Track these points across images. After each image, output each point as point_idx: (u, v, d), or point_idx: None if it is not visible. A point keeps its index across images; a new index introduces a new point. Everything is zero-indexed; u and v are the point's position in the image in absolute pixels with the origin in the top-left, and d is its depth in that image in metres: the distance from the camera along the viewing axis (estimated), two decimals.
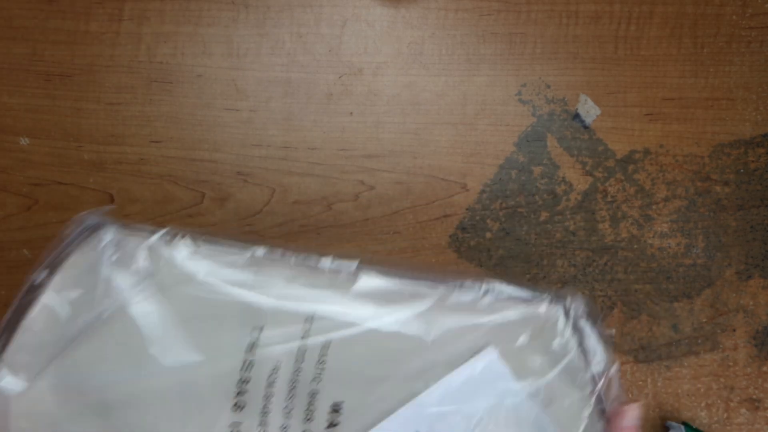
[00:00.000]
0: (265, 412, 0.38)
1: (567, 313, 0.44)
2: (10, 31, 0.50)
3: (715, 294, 0.49)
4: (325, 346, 0.39)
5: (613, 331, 0.43)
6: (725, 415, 0.49)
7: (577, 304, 0.44)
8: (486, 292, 0.44)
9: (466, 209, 0.50)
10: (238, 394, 0.38)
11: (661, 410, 0.49)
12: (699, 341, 0.49)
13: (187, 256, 0.41)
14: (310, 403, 0.38)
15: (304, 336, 0.39)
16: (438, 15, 0.51)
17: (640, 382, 0.49)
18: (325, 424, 0.38)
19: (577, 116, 0.50)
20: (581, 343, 0.44)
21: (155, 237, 0.41)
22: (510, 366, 0.42)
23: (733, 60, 0.50)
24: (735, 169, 0.49)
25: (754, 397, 0.48)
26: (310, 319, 0.40)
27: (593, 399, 0.43)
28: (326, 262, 0.40)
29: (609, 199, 0.50)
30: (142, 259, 0.40)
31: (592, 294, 0.50)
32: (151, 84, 0.50)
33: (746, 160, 0.49)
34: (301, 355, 0.39)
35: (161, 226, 0.40)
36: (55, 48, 0.50)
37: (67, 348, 0.39)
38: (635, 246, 0.50)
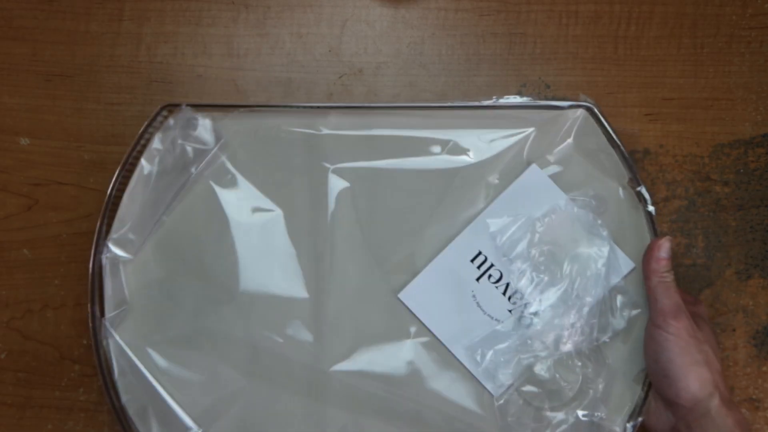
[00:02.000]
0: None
1: (591, 113, 0.46)
2: (10, 31, 0.50)
3: (715, 294, 0.49)
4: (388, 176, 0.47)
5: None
6: None
7: (588, 104, 0.46)
8: (512, 105, 0.47)
9: None
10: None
11: None
12: None
13: (246, 120, 0.47)
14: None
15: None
16: (438, 15, 0.51)
17: None
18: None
19: None
20: (611, 140, 0.46)
21: (221, 114, 0.47)
22: (555, 180, 0.45)
23: (733, 60, 0.50)
24: (735, 169, 0.49)
25: (754, 397, 0.48)
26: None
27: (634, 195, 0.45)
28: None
29: None
30: (209, 132, 0.46)
31: None
32: (151, 84, 0.50)
33: (746, 161, 0.50)
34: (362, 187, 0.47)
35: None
36: (55, 48, 0.50)
37: (159, 220, 0.45)
38: None
